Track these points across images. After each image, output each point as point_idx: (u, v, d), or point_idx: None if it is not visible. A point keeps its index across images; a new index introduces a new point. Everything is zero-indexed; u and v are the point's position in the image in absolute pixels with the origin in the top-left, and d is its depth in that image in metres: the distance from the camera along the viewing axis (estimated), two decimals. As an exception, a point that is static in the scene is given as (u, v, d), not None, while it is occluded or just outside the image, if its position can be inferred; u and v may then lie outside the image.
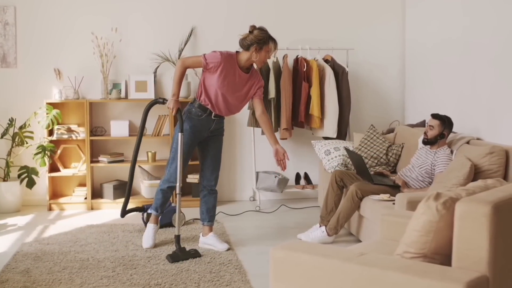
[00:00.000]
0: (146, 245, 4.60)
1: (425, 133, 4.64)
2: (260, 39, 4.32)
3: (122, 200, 5.07)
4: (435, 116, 4.62)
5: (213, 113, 4.46)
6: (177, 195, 4.43)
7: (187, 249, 4.38)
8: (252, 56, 4.35)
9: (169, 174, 4.52)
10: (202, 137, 4.55)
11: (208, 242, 4.61)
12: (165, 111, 6.12)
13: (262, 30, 4.36)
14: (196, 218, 5.23)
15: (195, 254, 4.35)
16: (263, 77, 5.90)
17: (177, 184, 4.40)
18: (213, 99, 4.41)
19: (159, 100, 4.58)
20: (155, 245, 4.64)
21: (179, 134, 4.37)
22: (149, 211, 5.03)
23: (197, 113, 4.46)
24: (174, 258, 4.25)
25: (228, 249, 4.55)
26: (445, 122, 4.59)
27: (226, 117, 4.63)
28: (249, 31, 4.37)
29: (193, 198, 6.11)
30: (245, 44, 4.35)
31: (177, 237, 4.37)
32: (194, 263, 4.21)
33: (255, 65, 4.51)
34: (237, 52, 4.43)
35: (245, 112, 6.14)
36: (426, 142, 4.64)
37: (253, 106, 4.64)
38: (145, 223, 5.16)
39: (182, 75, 4.41)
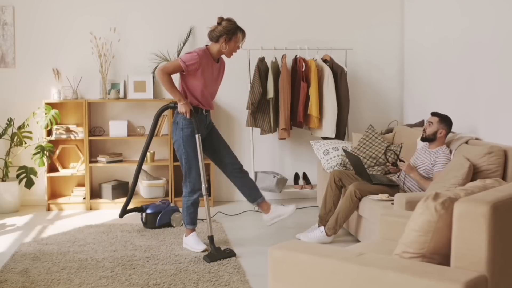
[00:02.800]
0: (201, 248, 4.48)
1: (424, 130, 4.67)
2: (229, 30, 4.38)
3: (121, 200, 5.07)
4: (434, 113, 4.66)
5: (204, 109, 4.53)
6: (204, 196, 4.45)
7: (222, 249, 4.38)
8: (222, 47, 4.41)
9: (192, 184, 4.50)
10: (203, 137, 4.58)
11: (275, 216, 4.76)
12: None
13: (230, 21, 4.43)
14: (201, 219, 5.18)
15: (230, 253, 4.36)
16: (262, 77, 5.93)
17: (202, 185, 4.45)
18: (199, 97, 4.47)
19: (170, 105, 4.62)
20: (152, 245, 4.63)
21: (196, 136, 4.42)
22: (184, 225, 4.70)
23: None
24: (211, 258, 4.25)
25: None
26: (444, 120, 4.61)
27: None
28: (218, 23, 4.42)
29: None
30: (214, 35, 4.40)
31: (211, 238, 4.39)
32: (193, 263, 4.21)
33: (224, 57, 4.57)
34: (206, 46, 4.49)
35: (244, 112, 6.14)
36: (424, 139, 4.65)
37: None
38: (144, 224, 5.17)
39: (171, 81, 4.37)
